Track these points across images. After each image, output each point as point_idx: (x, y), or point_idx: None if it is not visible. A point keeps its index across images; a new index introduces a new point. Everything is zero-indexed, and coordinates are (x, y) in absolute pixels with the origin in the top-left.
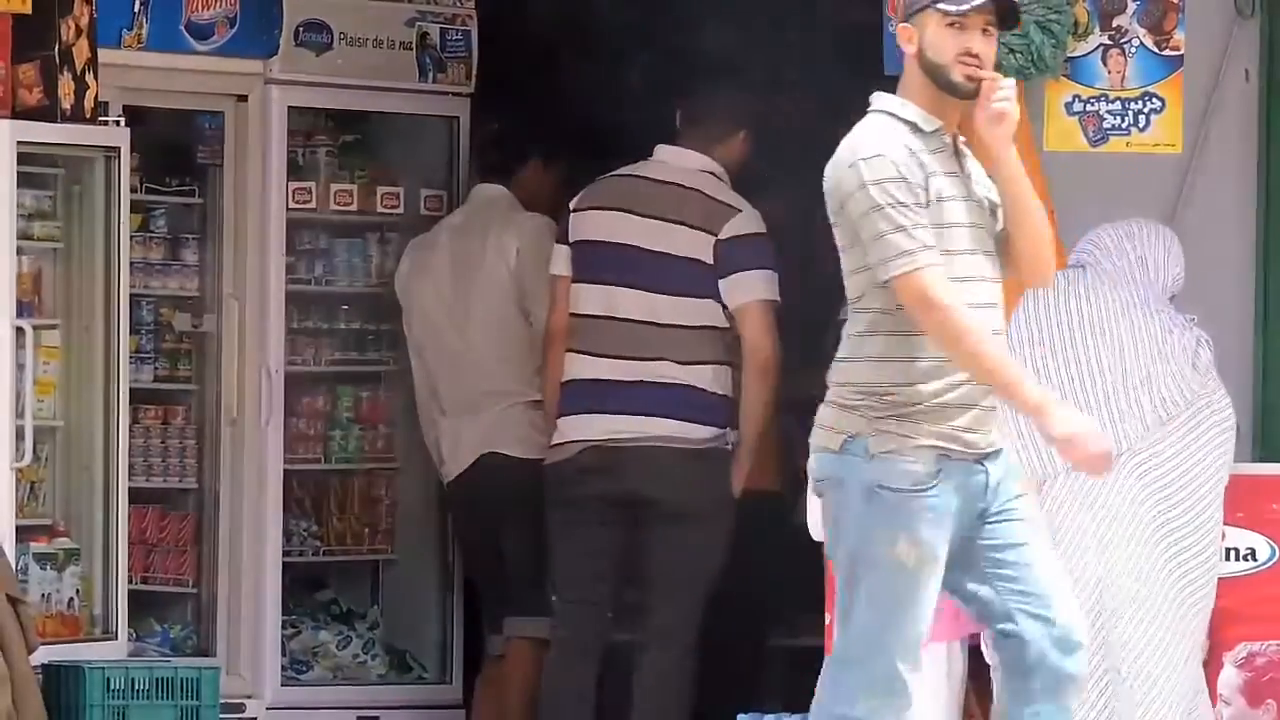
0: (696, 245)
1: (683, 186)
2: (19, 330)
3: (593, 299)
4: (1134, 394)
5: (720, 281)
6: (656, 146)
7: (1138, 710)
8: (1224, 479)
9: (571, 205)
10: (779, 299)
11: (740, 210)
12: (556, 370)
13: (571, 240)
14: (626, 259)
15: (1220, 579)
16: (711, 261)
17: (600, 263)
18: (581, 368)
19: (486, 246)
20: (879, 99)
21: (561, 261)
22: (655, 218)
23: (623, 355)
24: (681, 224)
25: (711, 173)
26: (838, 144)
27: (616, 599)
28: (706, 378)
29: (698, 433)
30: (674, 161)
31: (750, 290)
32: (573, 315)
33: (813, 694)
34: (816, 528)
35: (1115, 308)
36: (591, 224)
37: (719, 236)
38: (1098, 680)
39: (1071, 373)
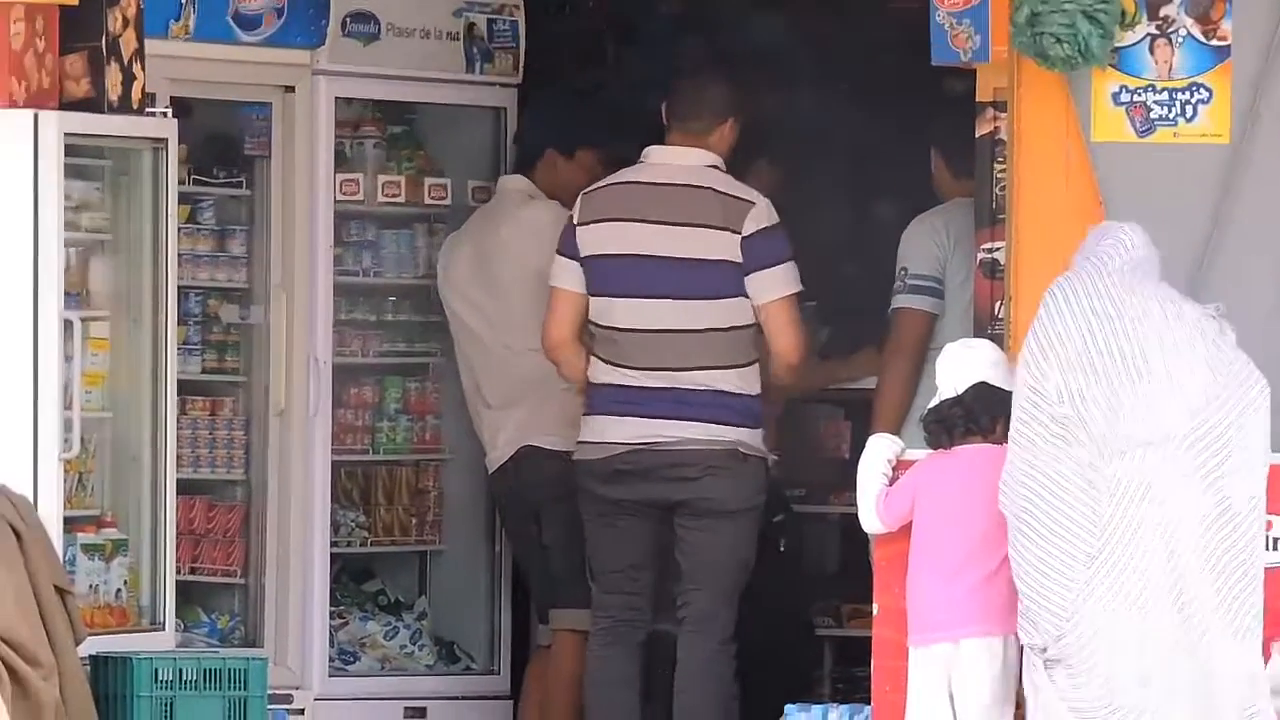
0: (722, 245)
1: (693, 186)
2: (67, 322)
3: (621, 312)
4: (1177, 382)
5: (746, 278)
6: (648, 149)
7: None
8: (1268, 454)
9: (575, 220)
10: (801, 286)
11: (755, 203)
12: (573, 370)
13: (583, 255)
14: (652, 269)
15: (1266, 569)
16: (740, 259)
17: (624, 276)
18: (615, 376)
19: (501, 240)
20: None
21: (567, 276)
22: (674, 223)
23: (659, 367)
24: (703, 226)
25: (715, 166)
26: (883, 133)
27: (655, 587)
28: (739, 380)
29: (730, 434)
30: (673, 161)
31: (775, 287)
32: (598, 327)
33: (860, 684)
34: (869, 520)
35: (1154, 302)
36: (605, 237)
37: (743, 234)
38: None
39: (1121, 364)
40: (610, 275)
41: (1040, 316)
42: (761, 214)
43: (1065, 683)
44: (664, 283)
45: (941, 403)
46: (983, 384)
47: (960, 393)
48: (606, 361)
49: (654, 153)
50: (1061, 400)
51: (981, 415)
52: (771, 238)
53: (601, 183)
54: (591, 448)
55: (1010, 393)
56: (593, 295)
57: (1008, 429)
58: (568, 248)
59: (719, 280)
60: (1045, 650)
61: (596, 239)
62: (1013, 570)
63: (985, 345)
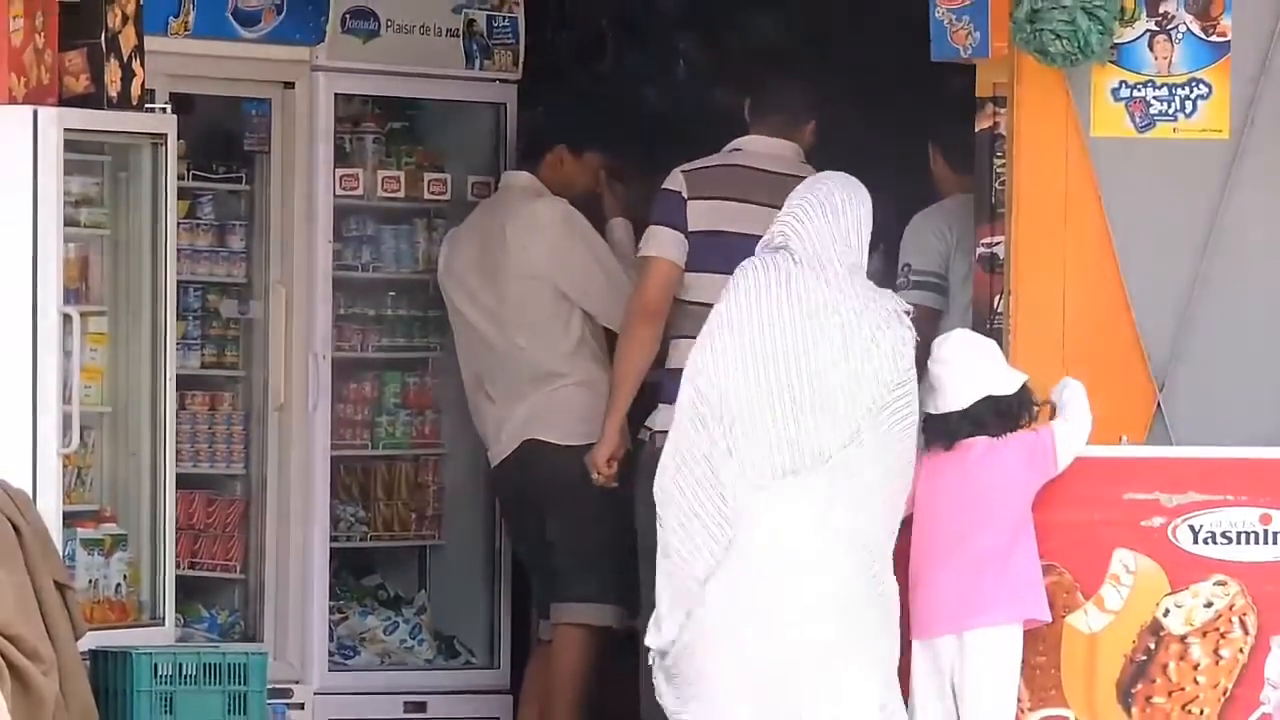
0: None
1: (797, 176)
2: (66, 317)
3: (716, 289)
4: (835, 402)
5: None
6: (741, 139)
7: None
8: (908, 481)
9: (685, 194)
10: None
11: None
12: (640, 349)
13: (692, 230)
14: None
15: (1266, 563)
16: None
17: (725, 253)
18: None
19: (507, 236)
20: None
21: (672, 248)
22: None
23: None
24: None
25: (806, 162)
26: (885, 130)
27: None
28: None
29: None
30: (770, 151)
31: None
32: (693, 304)
33: None
34: None
35: (823, 307)
36: (719, 215)
37: None
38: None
39: (780, 382)
40: (721, 253)
41: (724, 300)
42: None
43: (672, 703)
44: None
45: (949, 414)
46: (990, 399)
47: (968, 408)
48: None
49: (750, 142)
50: (709, 395)
51: (991, 425)
52: None
53: (706, 162)
54: None
55: (1017, 397)
56: (702, 272)
57: (1010, 428)
58: (675, 219)
59: None
60: (665, 656)
61: (709, 215)
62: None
63: (982, 347)
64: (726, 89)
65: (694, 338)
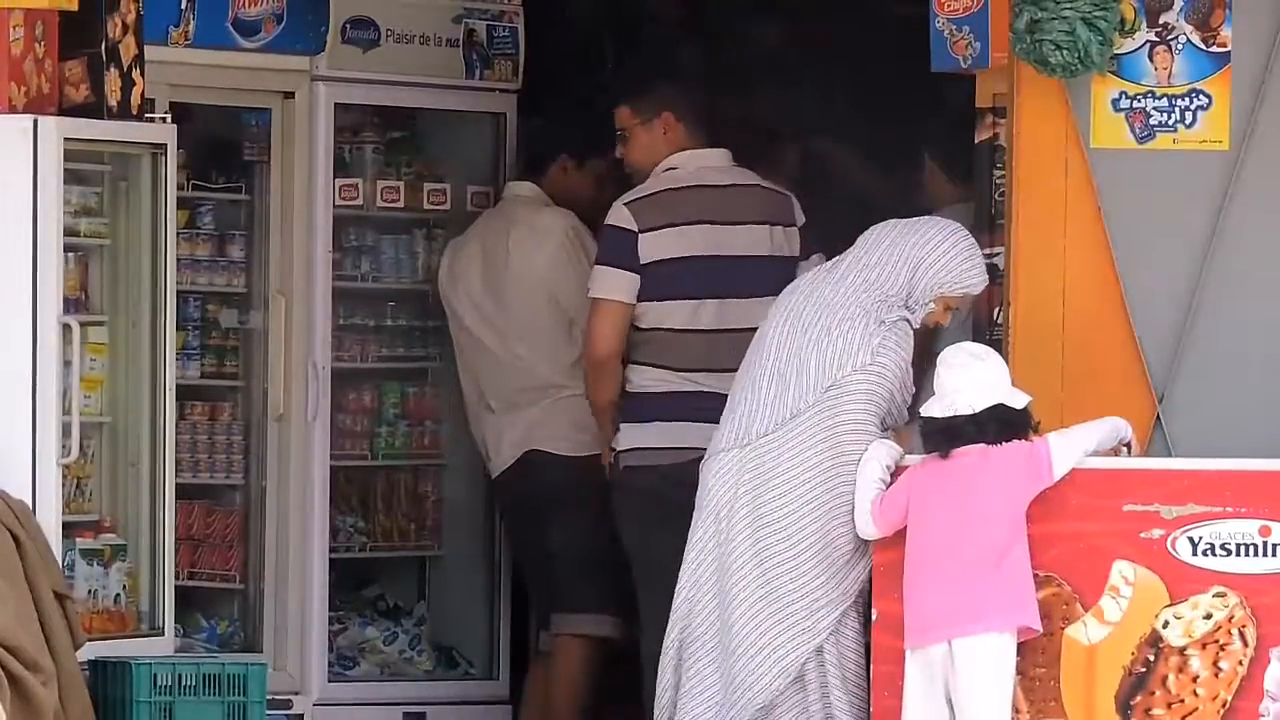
0: (782, 239)
1: (743, 185)
2: (66, 327)
3: (682, 315)
4: (777, 388)
5: (803, 264)
6: (675, 155)
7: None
8: (834, 490)
9: (636, 228)
10: None
11: (789, 194)
12: (605, 391)
13: (646, 263)
14: (721, 270)
15: (1265, 575)
16: (796, 253)
17: (676, 280)
18: (681, 383)
19: (510, 245)
20: None
21: (622, 287)
22: (736, 222)
23: (718, 368)
24: (763, 223)
25: (741, 166)
26: (883, 136)
27: None
28: None
29: None
30: (707, 163)
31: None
32: (651, 330)
33: None
34: (864, 526)
35: (810, 307)
36: (676, 242)
37: (797, 225)
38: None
39: (754, 363)
40: (673, 280)
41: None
42: (797, 205)
43: None
44: (732, 282)
45: (955, 418)
46: (1002, 406)
47: (977, 412)
48: (669, 368)
49: (684, 159)
50: None
51: (996, 434)
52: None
53: (647, 189)
54: (670, 453)
55: (1023, 413)
56: (659, 300)
57: (1009, 439)
58: (624, 258)
59: (775, 275)
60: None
61: (665, 244)
62: None
63: (994, 358)
64: (726, 97)
65: (651, 364)
